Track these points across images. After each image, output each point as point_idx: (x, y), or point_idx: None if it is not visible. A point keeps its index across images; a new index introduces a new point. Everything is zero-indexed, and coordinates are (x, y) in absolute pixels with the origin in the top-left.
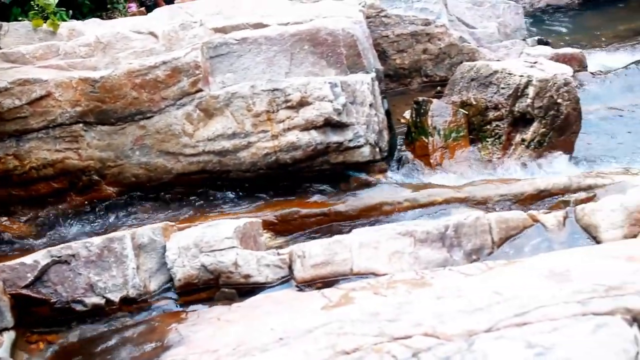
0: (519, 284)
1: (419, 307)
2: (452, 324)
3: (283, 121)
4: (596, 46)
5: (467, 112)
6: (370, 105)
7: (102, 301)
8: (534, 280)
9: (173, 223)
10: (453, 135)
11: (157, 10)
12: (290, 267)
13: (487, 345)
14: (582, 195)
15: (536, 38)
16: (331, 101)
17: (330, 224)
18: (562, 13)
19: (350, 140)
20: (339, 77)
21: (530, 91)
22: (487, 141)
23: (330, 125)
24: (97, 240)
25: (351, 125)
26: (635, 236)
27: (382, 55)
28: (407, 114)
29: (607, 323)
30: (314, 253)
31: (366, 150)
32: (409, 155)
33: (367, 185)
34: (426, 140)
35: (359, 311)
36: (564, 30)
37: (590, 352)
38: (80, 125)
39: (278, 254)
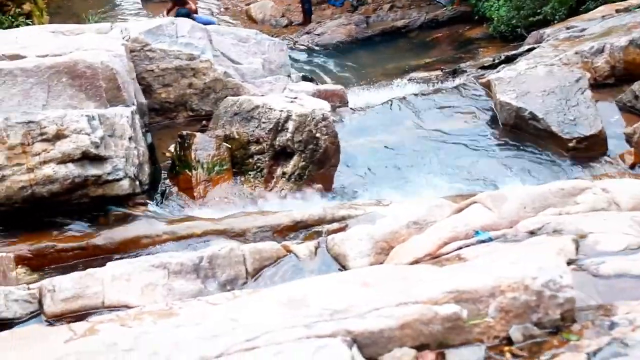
0: (257, 312)
1: (158, 336)
2: (187, 351)
3: (39, 154)
4: (363, 83)
5: (230, 146)
6: (130, 138)
7: None
8: (272, 307)
9: None
10: (216, 168)
11: None
12: (40, 302)
13: None
14: (335, 225)
15: (300, 74)
16: (89, 134)
17: (88, 258)
18: (337, 51)
19: (109, 174)
20: (98, 110)
21: (290, 125)
22: (250, 174)
23: (89, 158)
24: None
25: (110, 158)
26: (381, 264)
27: (148, 89)
28: (172, 148)
29: (327, 345)
30: (64, 287)
31: (126, 183)
32: (173, 188)
33: (127, 218)
34: (190, 174)
35: (100, 342)
36: (335, 67)
37: None
38: None
39: (28, 288)
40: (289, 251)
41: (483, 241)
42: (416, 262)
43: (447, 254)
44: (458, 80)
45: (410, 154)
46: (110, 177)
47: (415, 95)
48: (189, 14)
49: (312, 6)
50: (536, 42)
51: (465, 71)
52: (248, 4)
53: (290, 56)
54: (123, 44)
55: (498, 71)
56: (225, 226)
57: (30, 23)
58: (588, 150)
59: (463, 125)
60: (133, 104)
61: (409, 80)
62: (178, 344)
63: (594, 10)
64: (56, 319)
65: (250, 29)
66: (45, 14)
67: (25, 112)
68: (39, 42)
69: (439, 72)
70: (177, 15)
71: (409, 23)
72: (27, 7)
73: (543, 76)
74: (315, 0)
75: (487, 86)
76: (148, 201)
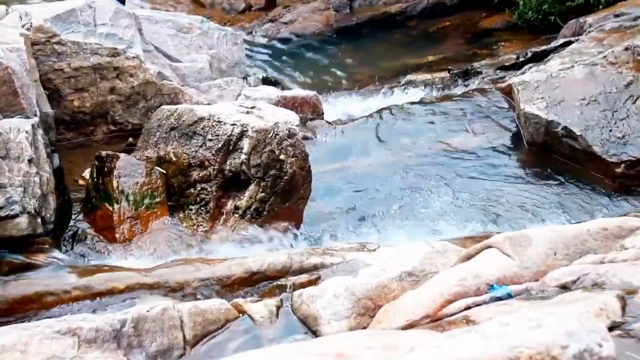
0: None
1: None
2: None
3: None
4: (345, 88)
5: (165, 172)
6: (30, 161)
7: None
8: None
9: None
10: (147, 201)
11: None
12: None
13: None
14: (304, 277)
15: (260, 76)
16: None
17: None
18: (310, 45)
19: (1, 208)
20: None
21: (245, 144)
22: (191, 209)
23: None
24: None
25: (2, 187)
26: (364, 328)
27: (55, 95)
28: (88, 174)
29: None
30: None
31: (23, 220)
32: (88, 227)
33: (25, 268)
34: (110, 209)
35: None
36: (307, 67)
37: None
38: None
39: None
40: (242, 312)
41: (499, 298)
42: (411, 326)
43: (452, 315)
44: (470, 85)
45: (405, 181)
46: (2, 213)
47: (414, 103)
48: None
49: None
50: (574, 35)
51: (480, 72)
52: None
53: (247, 52)
54: (22, 34)
55: (523, 72)
56: (156, 278)
57: None
58: None
59: (475, 144)
60: (35, 115)
61: (407, 84)
62: None
63: None
64: None
65: (196, 15)
66: None
67: None
68: None
69: (445, 74)
70: None
71: (406, 8)
72: None
73: (582, 79)
74: None
75: (508, 92)
76: (53, 246)
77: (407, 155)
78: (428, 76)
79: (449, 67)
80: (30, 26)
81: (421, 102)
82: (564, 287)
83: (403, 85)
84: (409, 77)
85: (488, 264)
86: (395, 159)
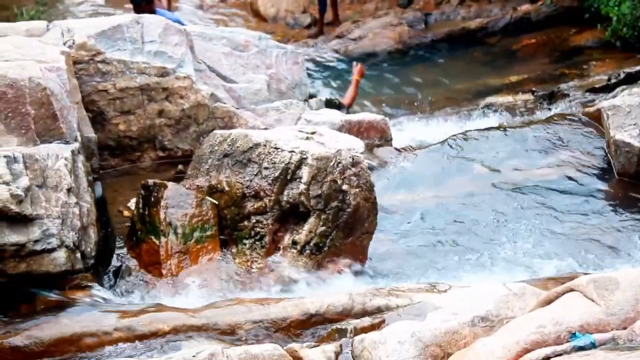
0: None
1: None
2: None
3: None
4: (416, 111)
5: (217, 202)
6: (69, 190)
7: None
8: None
9: None
10: (196, 235)
11: None
12: None
13: None
14: (366, 321)
15: (323, 98)
16: (8, 183)
17: None
18: (381, 63)
19: (37, 241)
20: (22, 149)
21: (305, 173)
22: (245, 244)
23: (7, 218)
24: None
25: (38, 218)
26: None
27: (99, 118)
28: (133, 204)
29: None
30: None
31: (61, 255)
32: (132, 262)
33: (63, 307)
34: (157, 242)
35: None
36: (375, 87)
37: None
38: None
39: None
40: (298, 358)
41: (582, 348)
42: None
43: None
44: (556, 109)
45: (481, 215)
46: (38, 247)
47: (493, 129)
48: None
49: None
50: None
51: (568, 95)
52: None
53: (310, 71)
54: (64, 51)
55: (614, 96)
56: (205, 320)
57: None
58: None
59: (560, 175)
60: (75, 140)
61: (486, 107)
62: None
63: None
64: None
65: (257, 30)
66: None
67: None
68: None
69: (529, 96)
70: None
71: (487, 24)
72: None
73: None
74: None
75: (597, 118)
76: (93, 282)
77: (483, 186)
78: (510, 98)
79: (533, 89)
80: (73, 43)
81: (501, 127)
82: None
83: (482, 108)
84: (489, 99)
85: (570, 309)
86: (470, 190)
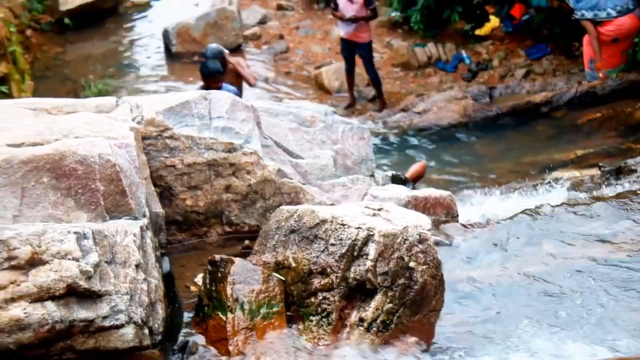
0: None
1: None
2: None
3: (5, 288)
4: (482, 185)
5: (283, 278)
6: (138, 266)
7: None
8: None
9: None
10: (263, 311)
11: None
12: None
13: None
14: None
15: (389, 173)
16: (77, 259)
17: None
18: (446, 137)
19: (105, 317)
20: (92, 225)
21: (372, 250)
22: (311, 320)
23: (76, 294)
24: None
25: (107, 295)
26: None
27: (167, 193)
28: (200, 279)
29: None
30: None
31: (129, 331)
32: (199, 339)
33: None
34: (224, 318)
35: None
36: (441, 162)
37: None
38: None
39: None
40: None
41: None
42: None
43: None
44: (623, 185)
45: (553, 295)
46: (107, 323)
47: (559, 206)
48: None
49: (414, 70)
50: None
51: (635, 170)
52: (318, 67)
53: (375, 145)
54: (133, 127)
55: None
56: None
57: (6, 92)
58: None
59: (629, 254)
60: (144, 216)
61: (551, 181)
62: None
63: None
64: None
65: (321, 103)
66: (28, 78)
67: None
68: (12, 123)
69: (595, 171)
70: None
71: (552, 97)
72: (2, 68)
73: None
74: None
75: None
76: (161, 358)
77: (555, 264)
78: (576, 173)
79: (600, 164)
80: (142, 119)
81: (568, 203)
82: None
83: (548, 182)
84: (555, 174)
85: None
86: (540, 268)
